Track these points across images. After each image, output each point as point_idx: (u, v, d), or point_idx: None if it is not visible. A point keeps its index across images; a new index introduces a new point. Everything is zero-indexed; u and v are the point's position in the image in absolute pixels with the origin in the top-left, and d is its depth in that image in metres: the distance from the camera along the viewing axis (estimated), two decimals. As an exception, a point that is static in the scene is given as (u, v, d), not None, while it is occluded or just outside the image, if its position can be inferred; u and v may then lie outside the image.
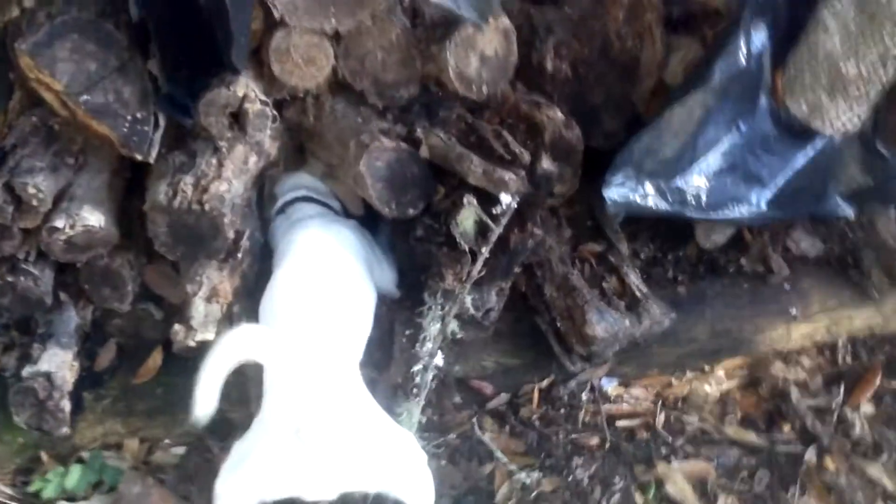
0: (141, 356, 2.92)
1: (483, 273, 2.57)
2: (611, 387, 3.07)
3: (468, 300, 2.56)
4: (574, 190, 2.80)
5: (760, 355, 3.16)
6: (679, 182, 2.71)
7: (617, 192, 2.64)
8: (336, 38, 2.67)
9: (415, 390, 2.65)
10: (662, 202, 2.70)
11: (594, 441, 2.92)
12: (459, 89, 2.72)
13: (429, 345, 2.58)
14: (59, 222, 2.54)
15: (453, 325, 2.60)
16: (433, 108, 2.84)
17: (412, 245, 2.81)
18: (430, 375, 2.64)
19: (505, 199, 2.38)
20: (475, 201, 2.49)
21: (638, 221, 3.03)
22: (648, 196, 2.68)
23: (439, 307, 2.65)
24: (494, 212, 2.40)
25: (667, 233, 3.14)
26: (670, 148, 2.68)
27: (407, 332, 2.81)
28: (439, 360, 2.61)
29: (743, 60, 2.55)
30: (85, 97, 2.37)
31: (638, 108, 2.93)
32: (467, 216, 2.50)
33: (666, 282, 3.11)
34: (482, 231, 2.49)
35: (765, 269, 3.11)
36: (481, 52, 2.68)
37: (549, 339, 2.92)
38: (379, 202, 2.71)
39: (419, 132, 2.77)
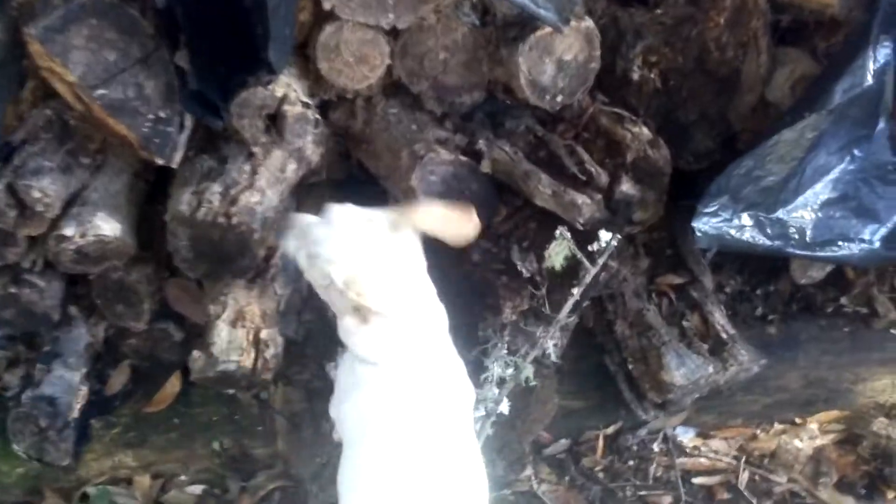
0: (157, 381, 2.71)
1: (547, 306, 2.33)
2: (687, 437, 2.83)
3: (550, 345, 2.25)
4: (657, 218, 2.45)
5: (860, 409, 2.88)
6: (781, 213, 2.38)
7: (709, 223, 2.32)
8: (393, 34, 2.38)
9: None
10: (761, 236, 2.38)
11: (667, 500, 2.69)
12: (530, 98, 2.42)
13: (494, 390, 2.27)
14: (69, 230, 2.29)
15: (528, 371, 2.33)
16: (499, 117, 2.56)
17: (467, 271, 2.55)
18: (489, 423, 2.34)
19: (605, 235, 2.16)
20: (569, 235, 2.22)
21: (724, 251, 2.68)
22: (745, 228, 2.36)
23: (504, 345, 2.37)
24: (590, 249, 2.19)
25: (756, 265, 2.84)
26: (774, 175, 2.35)
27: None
28: (505, 407, 2.30)
29: (869, 79, 2.17)
30: (101, 91, 2.14)
31: (734, 127, 2.58)
32: (559, 251, 2.25)
33: (754, 320, 2.83)
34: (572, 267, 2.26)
35: (868, 310, 2.81)
36: (559, 56, 2.38)
37: (618, 381, 2.66)
38: None
39: (481, 144, 2.49)
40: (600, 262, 2.25)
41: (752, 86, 2.57)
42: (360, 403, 1.91)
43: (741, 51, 2.53)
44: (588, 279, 2.25)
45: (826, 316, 2.82)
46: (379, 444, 1.83)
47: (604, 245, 2.21)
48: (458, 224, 2.01)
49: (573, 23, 2.33)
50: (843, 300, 2.80)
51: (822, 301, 2.82)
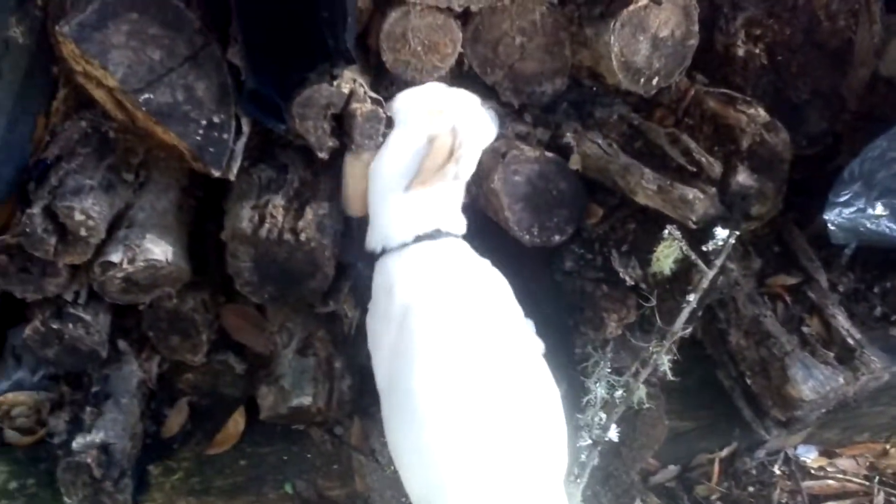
0: (218, 419, 2.49)
1: (658, 317, 2.05)
2: (811, 457, 2.58)
3: (665, 361, 1.98)
4: (777, 211, 2.19)
5: None
6: (921, 200, 2.11)
7: (843, 214, 2.07)
8: (463, 18, 2.15)
9: (575, 470, 2.09)
10: (898, 227, 2.10)
11: (795, 530, 2.42)
12: (623, 82, 2.19)
13: (600, 414, 2.02)
14: (116, 256, 2.09)
15: (641, 393, 2.08)
16: (586, 106, 2.33)
17: (558, 281, 2.34)
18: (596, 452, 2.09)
19: (721, 233, 1.91)
20: (679, 234, 1.95)
21: (831, 244, 2.43)
22: (881, 219, 2.08)
23: (608, 363, 2.12)
24: (704, 249, 1.94)
25: (869, 259, 2.56)
26: (911, 157, 2.07)
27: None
28: (613, 433, 2.05)
29: None
30: (146, 95, 1.94)
31: (849, 104, 2.33)
32: (668, 253, 2.01)
33: (873, 321, 2.54)
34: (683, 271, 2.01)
35: None
36: (654, 33, 2.15)
37: (734, 398, 2.40)
38: (517, 227, 2.22)
39: (568, 137, 2.26)
40: (718, 263, 1.99)
41: (866, 59, 2.36)
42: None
43: (853, 20, 2.32)
44: (705, 283, 1.99)
45: (955, 313, 2.54)
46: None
47: (720, 244, 1.96)
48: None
49: (669, -7, 2.11)
50: (975, 295, 2.51)
51: (949, 297, 2.54)
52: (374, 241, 1.95)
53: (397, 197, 1.92)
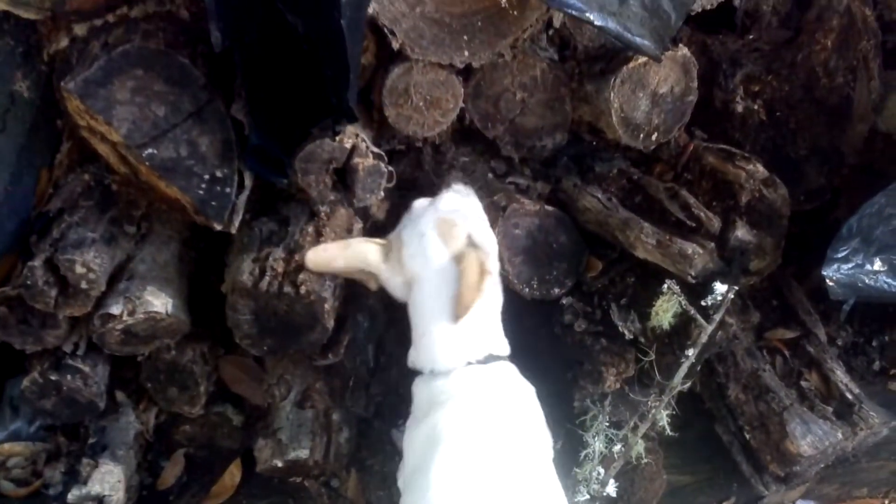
0: (215, 471, 2.46)
1: (657, 371, 2.08)
2: None
3: (664, 416, 1.96)
4: (776, 266, 2.18)
5: None
6: (917, 255, 2.10)
7: (841, 269, 2.06)
8: (465, 74, 2.15)
9: (574, 525, 2.08)
10: (896, 282, 2.09)
11: (793, 586, 2.36)
12: (623, 137, 2.20)
13: (598, 469, 1.99)
14: (116, 308, 2.06)
15: (639, 448, 2.07)
16: (586, 160, 2.34)
17: (557, 334, 2.31)
18: (594, 510, 2.07)
19: (720, 288, 1.94)
20: (678, 289, 1.96)
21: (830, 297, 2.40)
22: (879, 275, 2.07)
23: (606, 417, 2.12)
24: (703, 303, 1.97)
25: (867, 312, 2.56)
26: (908, 212, 2.07)
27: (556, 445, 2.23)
28: (612, 488, 2.03)
29: None
30: (150, 150, 1.93)
31: (847, 160, 2.32)
32: (667, 308, 2.01)
33: (871, 375, 2.54)
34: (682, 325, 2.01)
35: None
36: (653, 89, 2.17)
37: (732, 452, 2.38)
38: (517, 281, 2.22)
39: (568, 191, 2.28)
40: (717, 317, 1.99)
41: (864, 114, 2.37)
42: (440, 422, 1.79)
43: (851, 76, 2.33)
44: (704, 338, 1.98)
45: (953, 367, 2.52)
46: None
47: (720, 298, 1.97)
48: None
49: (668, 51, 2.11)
50: (973, 349, 2.50)
51: (946, 351, 2.52)
52: (420, 361, 1.90)
53: (443, 326, 1.87)
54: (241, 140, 2.01)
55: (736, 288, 2.00)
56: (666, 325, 2.07)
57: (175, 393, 2.33)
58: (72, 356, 2.20)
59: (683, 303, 2.00)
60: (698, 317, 1.99)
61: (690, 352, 2.01)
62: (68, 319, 2.14)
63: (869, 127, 2.36)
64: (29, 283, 1.99)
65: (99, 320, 2.08)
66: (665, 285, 2.00)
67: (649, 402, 2.05)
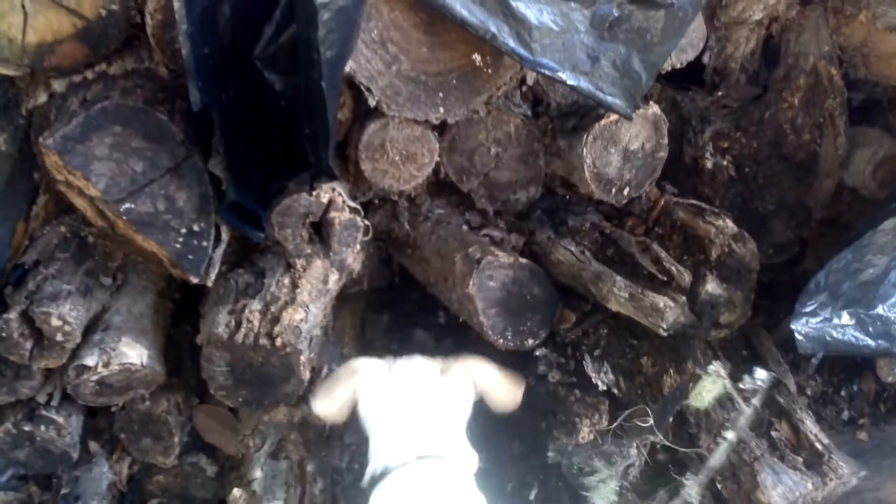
0: None
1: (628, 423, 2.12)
2: None
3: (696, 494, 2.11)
4: (746, 319, 2.20)
5: (969, 523, 2.56)
6: (881, 309, 2.11)
7: (809, 324, 2.07)
8: (440, 129, 2.18)
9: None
10: (863, 336, 2.13)
11: None
12: (595, 192, 2.22)
13: None
14: (90, 359, 2.09)
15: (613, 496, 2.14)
16: (559, 214, 2.37)
17: (531, 385, 2.30)
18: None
19: (760, 374, 2.06)
20: (724, 372, 2.04)
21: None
22: (847, 328, 2.09)
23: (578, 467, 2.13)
24: (741, 386, 2.07)
25: (836, 362, 2.56)
26: (873, 267, 2.12)
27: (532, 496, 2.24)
28: None
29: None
30: (127, 205, 1.94)
31: (815, 214, 2.35)
32: (710, 390, 2.06)
33: (840, 424, 2.54)
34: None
35: (971, 410, 2.52)
36: (624, 146, 2.20)
37: (704, 502, 2.31)
38: (491, 332, 2.22)
39: (542, 243, 2.30)
40: (757, 403, 2.11)
41: (831, 170, 2.39)
42: None
43: (817, 132, 2.36)
44: (743, 421, 2.10)
45: (921, 417, 2.53)
46: None
47: (759, 384, 2.13)
48: (507, 390, 2.03)
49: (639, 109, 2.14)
50: (941, 399, 2.51)
51: (914, 401, 2.54)
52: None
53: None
54: (218, 194, 2.02)
55: (773, 374, 2.09)
56: (704, 405, 2.12)
57: (149, 443, 2.34)
58: (45, 407, 2.22)
59: (728, 386, 2.06)
60: (740, 401, 2.07)
61: (730, 434, 2.07)
62: (43, 370, 2.15)
63: (836, 182, 2.38)
64: (4, 335, 2.00)
65: (73, 371, 2.09)
66: (711, 367, 2.05)
67: (683, 480, 2.15)
